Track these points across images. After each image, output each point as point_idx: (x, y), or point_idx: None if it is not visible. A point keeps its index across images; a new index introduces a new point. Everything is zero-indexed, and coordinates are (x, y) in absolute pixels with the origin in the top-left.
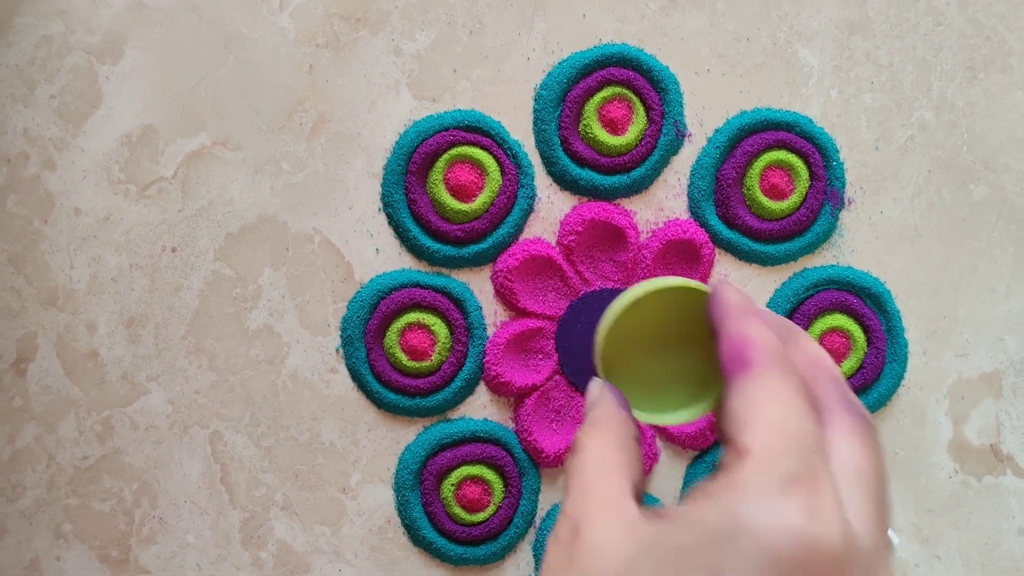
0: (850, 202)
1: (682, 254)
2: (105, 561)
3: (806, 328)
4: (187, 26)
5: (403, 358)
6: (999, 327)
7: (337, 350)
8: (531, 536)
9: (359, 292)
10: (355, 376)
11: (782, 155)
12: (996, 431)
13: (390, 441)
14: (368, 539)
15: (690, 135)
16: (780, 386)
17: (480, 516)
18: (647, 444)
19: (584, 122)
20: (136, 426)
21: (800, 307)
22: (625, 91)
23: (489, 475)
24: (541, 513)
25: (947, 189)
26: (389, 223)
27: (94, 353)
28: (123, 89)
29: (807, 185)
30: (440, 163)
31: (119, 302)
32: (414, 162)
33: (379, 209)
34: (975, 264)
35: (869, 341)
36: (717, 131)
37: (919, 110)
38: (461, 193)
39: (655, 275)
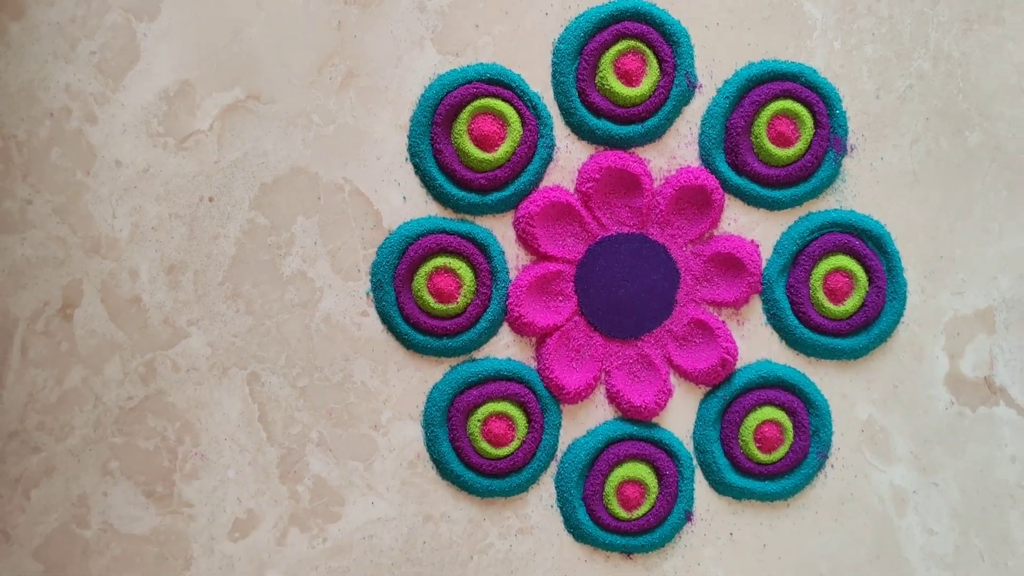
0: (852, 149)
1: (694, 200)
2: (150, 496)
3: (811, 269)
4: None
5: (431, 300)
6: (993, 266)
7: (367, 294)
8: (553, 469)
9: (388, 238)
10: (385, 318)
11: (788, 104)
12: (990, 364)
13: (418, 380)
14: (399, 473)
15: (701, 86)
16: None
17: (505, 450)
18: (661, 380)
19: (600, 74)
20: (177, 368)
21: (805, 249)
22: (639, 44)
23: (513, 411)
24: (562, 447)
25: (944, 136)
26: (416, 172)
27: (137, 299)
28: (160, 46)
29: (811, 133)
30: (464, 114)
31: (159, 250)
32: (439, 114)
33: (406, 159)
34: (970, 207)
35: (870, 280)
36: (726, 82)
37: (917, 60)
38: (484, 143)
39: (669, 220)
